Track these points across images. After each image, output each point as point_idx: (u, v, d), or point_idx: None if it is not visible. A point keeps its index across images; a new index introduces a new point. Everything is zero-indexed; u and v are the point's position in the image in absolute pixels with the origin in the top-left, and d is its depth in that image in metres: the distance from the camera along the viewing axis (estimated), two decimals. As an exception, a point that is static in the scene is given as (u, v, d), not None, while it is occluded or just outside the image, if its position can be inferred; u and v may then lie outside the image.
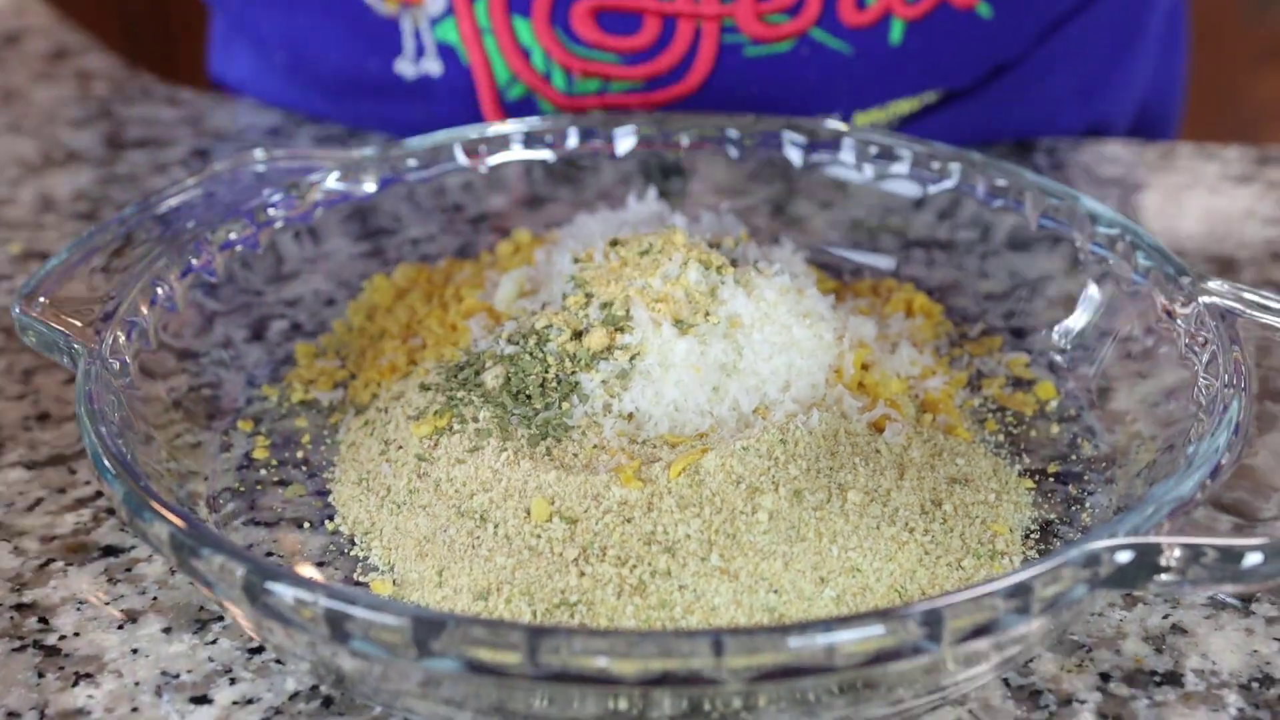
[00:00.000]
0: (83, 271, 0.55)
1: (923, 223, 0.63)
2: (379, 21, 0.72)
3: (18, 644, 0.47)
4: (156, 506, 0.42)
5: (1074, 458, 0.54)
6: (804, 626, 0.37)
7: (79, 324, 0.52)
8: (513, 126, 0.65)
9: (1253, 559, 0.40)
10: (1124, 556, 0.40)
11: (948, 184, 0.62)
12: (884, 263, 0.64)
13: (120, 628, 0.48)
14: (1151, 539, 0.40)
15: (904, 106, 0.75)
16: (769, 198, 0.66)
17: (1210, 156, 0.78)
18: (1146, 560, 0.40)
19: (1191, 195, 0.74)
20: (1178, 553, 0.40)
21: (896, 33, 0.71)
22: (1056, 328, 0.59)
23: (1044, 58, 0.79)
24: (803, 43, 0.71)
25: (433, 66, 0.73)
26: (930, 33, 0.72)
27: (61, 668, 0.46)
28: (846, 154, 0.64)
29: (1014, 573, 0.39)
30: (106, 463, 0.44)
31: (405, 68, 0.73)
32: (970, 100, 0.77)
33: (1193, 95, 2.43)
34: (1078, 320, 0.58)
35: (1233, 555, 0.40)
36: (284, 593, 0.39)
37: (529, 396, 0.51)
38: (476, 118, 0.72)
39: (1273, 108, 2.45)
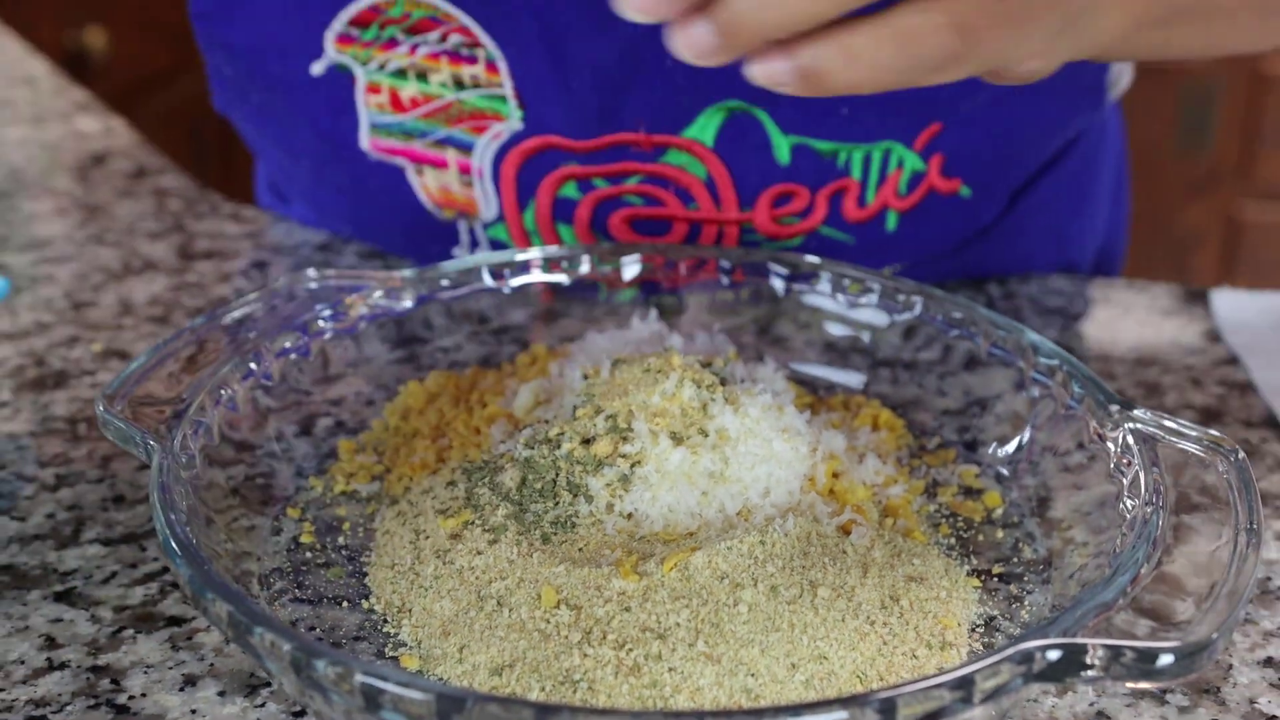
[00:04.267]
0: (159, 374, 0.55)
1: (889, 345, 0.64)
2: (438, 223, 0.73)
3: (92, 702, 0.48)
4: (216, 589, 0.43)
5: (1015, 560, 0.54)
6: (776, 710, 0.38)
7: (154, 422, 0.52)
8: (534, 253, 0.65)
9: (1165, 660, 0.41)
10: (1054, 655, 0.41)
11: (911, 314, 0.62)
12: (854, 380, 0.64)
13: (181, 690, 0.48)
14: (1078, 640, 0.41)
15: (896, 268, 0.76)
16: (755, 319, 0.66)
17: (1141, 291, 0.79)
18: (1074, 659, 0.41)
19: (1124, 325, 0.75)
20: (1100, 653, 0.41)
21: (891, 221, 0.72)
22: (1003, 443, 0.59)
23: (1017, 217, 0.79)
24: (811, 237, 0.71)
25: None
26: (920, 217, 0.72)
27: None
28: (823, 285, 0.64)
29: (960, 666, 0.40)
30: (175, 547, 0.45)
31: (461, 254, 0.74)
32: (954, 254, 0.78)
33: (1132, 222, 2.44)
34: (1022, 437, 0.58)
35: (1148, 656, 0.41)
36: (325, 668, 0.40)
37: (542, 496, 0.52)
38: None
39: (1201, 232, 2.46)
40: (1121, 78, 0.80)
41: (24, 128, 1.00)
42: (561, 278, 0.66)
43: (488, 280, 0.65)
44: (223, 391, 0.56)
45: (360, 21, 0.68)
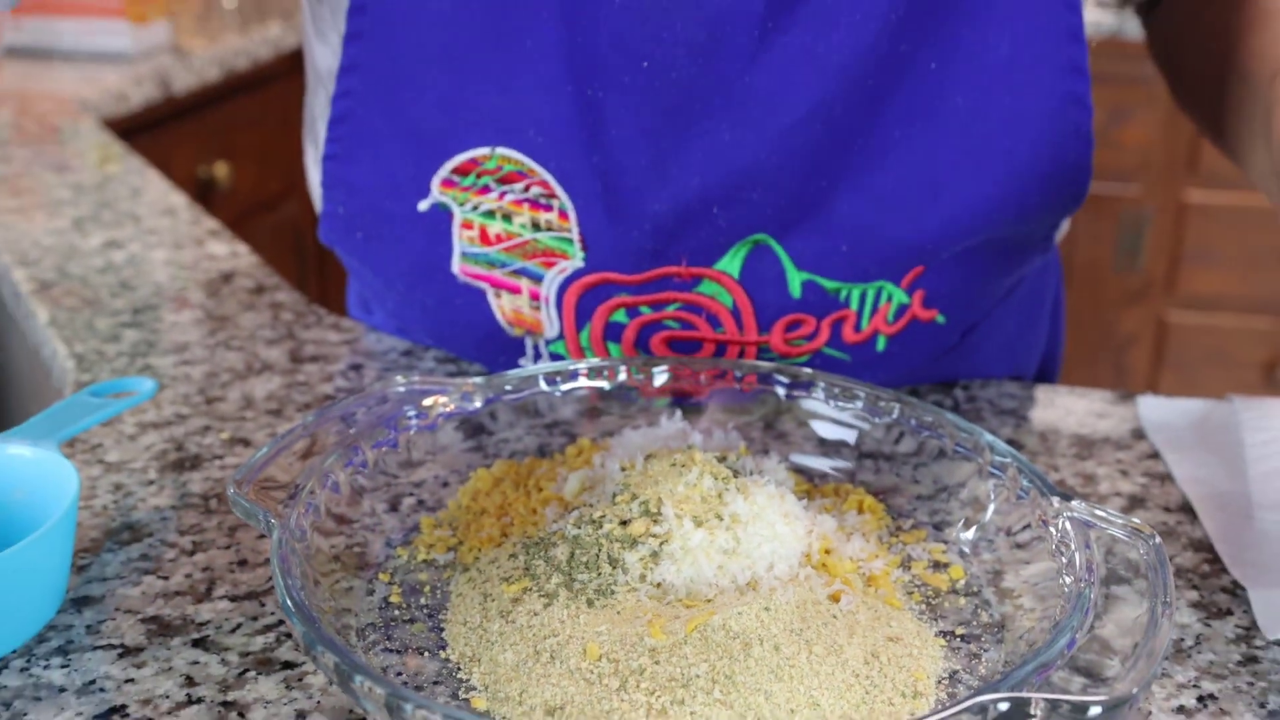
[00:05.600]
0: (278, 462, 0.56)
1: (871, 442, 0.64)
2: (509, 338, 0.74)
3: (221, 734, 0.49)
4: (324, 643, 0.44)
5: (974, 623, 0.54)
6: (777, 750, 0.39)
7: (273, 502, 0.53)
8: (581, 364, 0.66)
9: (1094, 711, 0.41)
10: (1004, 706, 0.42)
11: (889, 418, 0.63)
12: (843, 470, 0.65)
13: (293, 724, 0.49)
14: (1023, 694, 0.42)
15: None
16: (762, 418, 0.67)
17: (1080, 395, 0.80)
18: (1019, 710, 0.42)
19: (1065, 424, 0.76)
20: (1043, 705, 0.42)
21: (881, 344, 0.73)
22: (966, 525, 0.60)
23: (978, 336, 0.80)
24: (816, 356, 0.73)
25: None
26: (904, 340, 0.73)
27: None
28: (818, 393, 0.65)
29: (928, 715, 0.41)
30: (291, 606, 0.46)
31: (525, 364, 0.75)
32: (928, 367, 0.79)
33: (1075, 327, 2.44)
34: (981, 520, 0.59)
35: (1080, 708, 0.41)
36: (412, 710, 0.41)
37: (587, 567, 0.52)
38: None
39: (1136, 337, 2.46)
40: (1063, 226, 0.81)
41: (167, 251, 1.02)
42: (603, 384, 0.67)
43: (543, 386, 0.66)
44: (329, 477, 0.57)
45: (462, 170, 0.69)
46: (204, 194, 1.87)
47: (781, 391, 0.66)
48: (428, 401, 0.63)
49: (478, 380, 0.65)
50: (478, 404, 0.64)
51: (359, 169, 0.72)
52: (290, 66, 2.14)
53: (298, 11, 2.22)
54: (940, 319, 0.73)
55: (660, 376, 0.67)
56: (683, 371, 0.67)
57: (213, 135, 1.91)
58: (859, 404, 0.64)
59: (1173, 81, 0.82)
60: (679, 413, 0.66)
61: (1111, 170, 2.36)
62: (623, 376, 0.67)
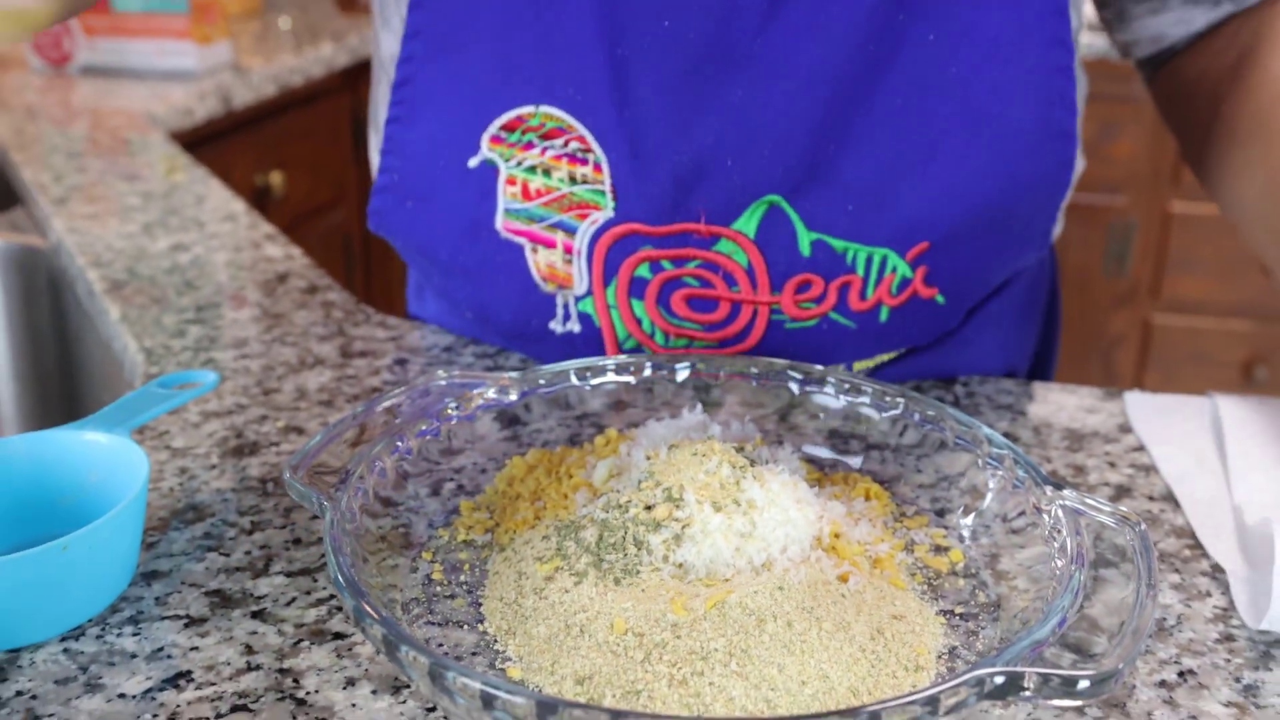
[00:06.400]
0: (330, 449, 0.57)
1: (878, 434, 0.64)
2: (542, 297, 0.75)
3: (280, 695, 0.49)
4: (372, 616, 0.44)
5: (972, 603, 0.54)
6: (791, 718, 0.39)
7: (326, 486, 0.54)
8: (609, 360, 0.66)
9: (1083, 684, 0.42)
10: (999, 679, 0.42)
11: (895, 411, 0.63)
12: (852, 460, 0.65)
13: (344, 688, 0.50)
14: (1018, 669, 0.42)
15: (884, 357, 0.77)
16: (776, 411, 0.67)
17: (1071, 392, 0.79)
18: (1014, 683, 0.42)
19: (1058, 418, 0.76)
20: (1035, 679, 0.42)
21: (884, 315, 0.73)
22: (965, 512, 0.59)
23: (974, 327, 0.81)
24: (823, 320, 0.73)
25: (574, 327, 0.75)
26: (905, 314, 0.74)
27: (307, 713, 0.48)
28: (829, 388, 0.65)
29: (929, 687, 0.41)
30: (342, 582, 0.47)
31: (556, 326, 0.75)
32: (926, 353, 0.79)
33: (1067, 328, 2.43)
34: (979, 507, 0.59)
35: (1070, 682, 0.42)
36: (453, 678, 0.41)
37: (614, 549, 0.52)
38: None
39: (1123, 338, 2.45)
40: (1058, 226, 0.81)
41: (228, 253, 1.03)
42: (629, 378, 0.67)
43: (574, 380, 0.66)
44: (376, 463, 0.57)
45: (509, 127, 0.71)
46: (260, 201, 1.87)
47: (795, 387, 0.66)
48: (467, 394, 0.63)
49: (513, 375, 0.65)
50: (513, 397, 0.65)
51: (417, 129, 0.73)
52: (340, 84, 2.14)
53: (347, 32, 2.23)
54: (940, 299, 0.74)
55: (682, 370, 0.67)
56: (704, 367, 0.67)
57: (269, 147, 1.92)
58: (867, 399, 0.64)
59: (1181, 138, 0.83)
60: (699, 406, 0.66)
61: (1101, 182, 2.34)
62: (647, 370, 0.66)
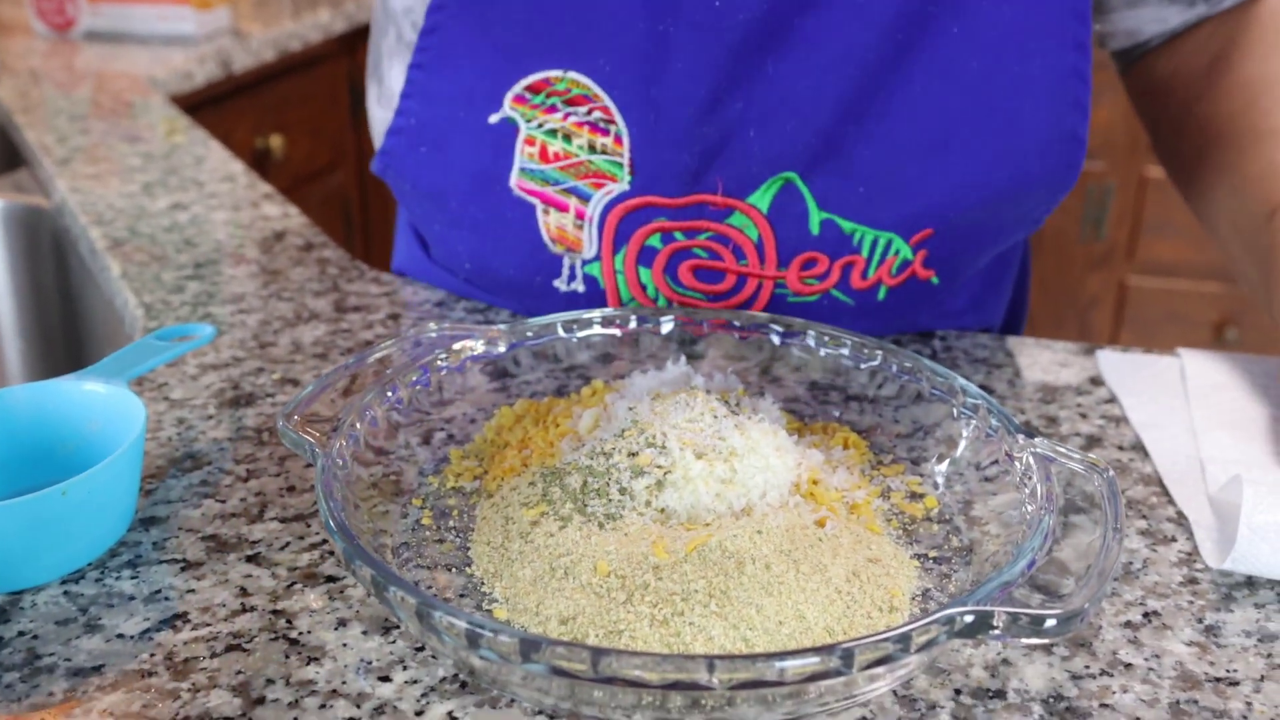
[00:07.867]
0: (322, 399, 0.56)
1: (856, 385, 0.64)
2: (548, 256, 0.73)
3: (273, 636, 0.49)
4: (363, 558, 0.44)
5: (946, 547, 0.54)
6: (768, 656, 0.39)
7: (318, 434, 0.53)
8: (595, 313, 0.66)
9: (1050, 623, 0.42)
10: (969, 618, 0.42)
11: (874, 363, 0.63)
12: (830, 411, 0.65)
13: (336, 629, 0.50)
14: (987, 608, 0.42)
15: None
16: (758, 364, 0.66)
17: (1045, 347, 0.79)
18: (984, 621, 0.42)
19: (1032, 372, 0.75)
20: (1004, 617, 0.42)
21: (882, 293, 0.73)
22: (940, 460, 0.59)
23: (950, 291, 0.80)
24: (825, 297, 0.72)
25: (579, 287, 0.74)
26: (903, 294, 0.73)
27: (300, 653, 0.48)
28: (809, 340, 0.65)
29: (901, 626, 0.41)
30: (333, 526, 0.46)
31: (560, 285, 0.74)
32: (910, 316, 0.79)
33: (1044, 289, 2.42)
34: (953, 455, 0.59)
35: (1038, 620, 0.42)
36: (440, 617, 0.41)
37: (598, 494, 0.52)
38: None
39: (1099, 299, 2.45)
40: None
41: (226, 212, 1.02)
42: (615, 331, 0.66)
43: (561, 333, 0.65)
44: (367, 412, 0.57)
45: (534, 88, 0.69)
46: (260, 164, 1.86)
47: (775, 339, 0.65)
48: (457, 346, 0.63)
49: (502, 327, 0.64)
50: (502, 349, 0.64)
51: (441, 77, 0.72)
52: (338, 49, 2.12)
53: (345, -1, 2.20)
54: (935, 280, 0.73)
55: (667, 323, 0.66)
56: (688, 320, 0.66)
57: (268, 111, 1.90)
58: (845, 351, 0.64)
59: (1152, 133, 0.83)
60: (684, 358, 0.66)
61: (1079, 148, 2.33)
62: (633, 323, 0.66)
